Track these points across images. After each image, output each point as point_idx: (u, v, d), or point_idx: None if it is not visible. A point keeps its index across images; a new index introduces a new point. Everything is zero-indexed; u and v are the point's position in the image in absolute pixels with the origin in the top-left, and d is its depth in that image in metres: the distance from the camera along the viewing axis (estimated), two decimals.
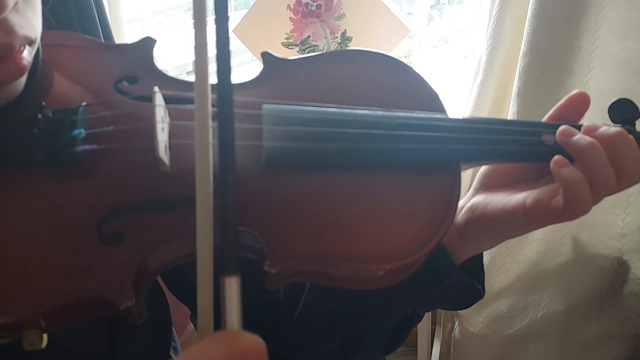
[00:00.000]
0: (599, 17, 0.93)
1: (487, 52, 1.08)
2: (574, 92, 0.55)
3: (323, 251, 0.46)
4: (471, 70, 1.21)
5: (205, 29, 0.37)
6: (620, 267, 0.98)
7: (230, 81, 0.37)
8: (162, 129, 0.48)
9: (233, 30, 1.26)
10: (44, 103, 0.49)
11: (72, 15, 1.07)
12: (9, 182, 0.47)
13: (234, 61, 0.38)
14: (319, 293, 0.64)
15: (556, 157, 0.49)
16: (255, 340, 0.34)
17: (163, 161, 0.46)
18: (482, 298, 0.62)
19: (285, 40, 1.32)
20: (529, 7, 0.97)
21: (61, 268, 0.44)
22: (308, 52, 1.29)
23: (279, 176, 0.49)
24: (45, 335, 0.43)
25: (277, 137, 0.49)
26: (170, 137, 0.49)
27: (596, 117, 0.96)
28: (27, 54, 0.46)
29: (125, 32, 1.37)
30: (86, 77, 0.54)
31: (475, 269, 0.62)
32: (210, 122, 0.37)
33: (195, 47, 0.37)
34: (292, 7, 1.29)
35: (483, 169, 0.61)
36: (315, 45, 1.28)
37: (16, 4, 0.43)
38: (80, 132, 0.47)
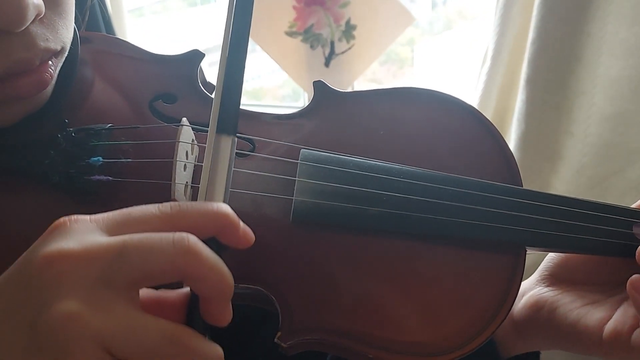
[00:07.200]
0: (608, 2, 0.91)
1: (494, 39, 1.06)
2: None
3: (346, 329, 0.41)
4: (476, 57, 1.19)
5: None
6: None
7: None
8: (185, 166, 0.44)
9: None
10: (67, 120, 0.46)
11: None
12: (22, 195, 0.44)
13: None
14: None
15: None
16: (212, 352, 0.30)
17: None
18: None
19: (289, 29, 1.30)
20: None
21: None
22: (312, 42, 1.28)
23: (307, 235, 0.43)
24: None
25: (309, 191, 0.43)
26: (196, 173, 0.45)
27: (605, 105, 0.95)
28: (52, 67, 0.43)
29: (126, 23, 1.35)
30: (122, 90, 0.50)
31: None
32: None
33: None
34: None
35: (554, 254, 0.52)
36: (320, 34, 1.26)
37: (38, 15, 0.39)
38: (98, 159, 0.44)
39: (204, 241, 0.31)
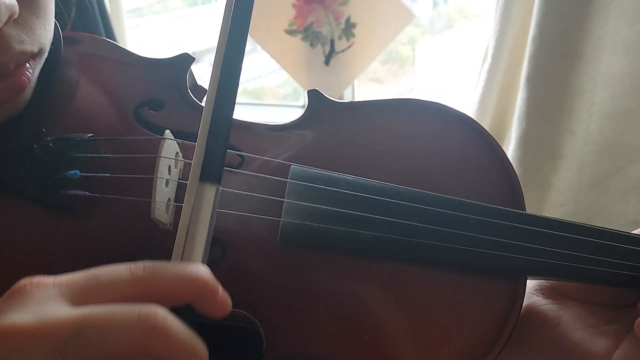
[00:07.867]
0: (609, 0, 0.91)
1: (495, 37, 1.06)
2: None
3: (333, 358, 0.39)
4: (477, 55, 1.19)
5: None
6: None
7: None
8: (167, 182, 0.41)
9: None
10: (44, 130, 0.43)
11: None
12: None
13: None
14: None
15: None
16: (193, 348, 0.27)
17: (161, 221, 0.40)
18: None
19: (288, 28, 1.30)
20: None
21: None
22: (311, 40, 1.27)
23: (295, 257, 0.41)
24: None
25: (298, 213, 0.40)
26: (180, 188, 0.42)
27: (606, 102, 0.94)
28: (29, 69, 0.41)
29: (125, 23, 1.35)
30: (106, 96, 0.47)
31: None
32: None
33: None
34: None
35: None
36: (319, 32, 1.26)
37: (12, 16, 0.37)
38: (76, 173, 0.42)
39: (176, 308, 0.28)
